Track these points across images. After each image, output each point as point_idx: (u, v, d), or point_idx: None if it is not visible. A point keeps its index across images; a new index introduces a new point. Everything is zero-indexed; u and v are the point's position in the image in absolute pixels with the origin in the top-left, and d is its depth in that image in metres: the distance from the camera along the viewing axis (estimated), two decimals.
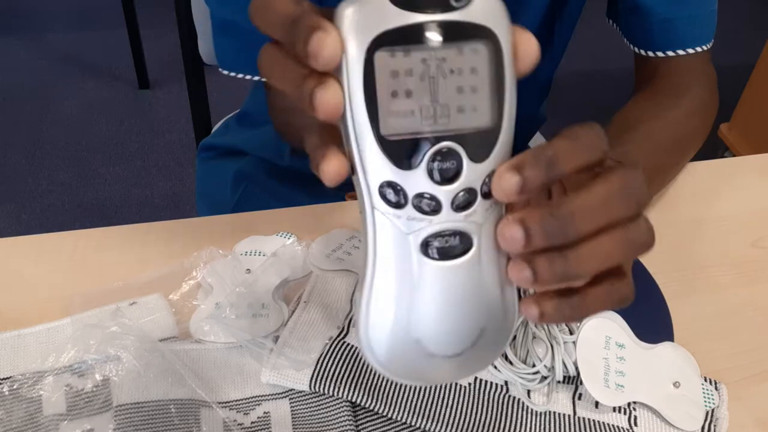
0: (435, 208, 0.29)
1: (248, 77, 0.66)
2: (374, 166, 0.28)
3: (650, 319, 0.55)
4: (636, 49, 0.69)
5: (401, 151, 0.28)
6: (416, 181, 0.28)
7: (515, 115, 0.29)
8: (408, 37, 0.27)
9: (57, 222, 1.74)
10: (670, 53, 0.67)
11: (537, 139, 1.08)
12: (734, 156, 1.79)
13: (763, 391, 0.53)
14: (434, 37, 0.27)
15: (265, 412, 0.49)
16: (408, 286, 0.30)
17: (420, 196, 0.29)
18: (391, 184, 0.28)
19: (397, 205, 0.29)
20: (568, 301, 0.32)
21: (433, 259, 0.30)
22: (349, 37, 0.27)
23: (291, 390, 0.49)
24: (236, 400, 0.49)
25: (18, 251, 0.59)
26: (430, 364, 0.31)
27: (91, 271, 0.57)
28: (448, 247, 0.30)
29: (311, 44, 0.26)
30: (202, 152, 0.92)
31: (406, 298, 0.30)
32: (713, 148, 1.92)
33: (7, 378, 0.48)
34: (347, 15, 0.27)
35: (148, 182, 1.86)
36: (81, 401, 0.47)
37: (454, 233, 0.29)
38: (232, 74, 0.70)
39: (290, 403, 0.49)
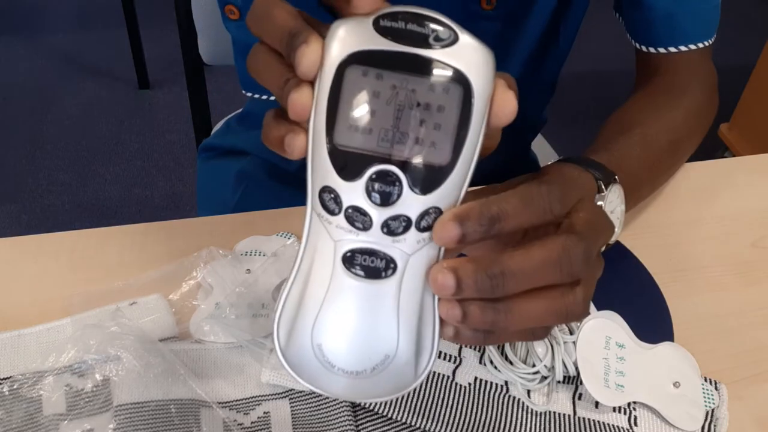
0: (365, 224, 0.30)
1: (271, 98, 0.68)
2: (320, 170, 0.30)
3: (650, 319, 0.55)
4: (638, 45, 0.69)
5: (347, 162, 0.29)
6: (353, 193, 0.29)
7: (475, 160, 0.30)
8: (381, 62, 0.28)
9: (57, 222, 1.74)
10: (672, 49, 0.67)
11: (539, 142, 1.08)
12: (734, 156, 1.79)
13: (763, 391, 0.53)
14: (408, 68, 0.28)
15: (265, 412, 0.49)
16: (322, 291, 0.31)
17: (353, 208, 0.30)
18: (330, 190, 0.30)
19: (331, 212, 0.30)
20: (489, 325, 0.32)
21: (350, 272, 0.30)
22: (329, 50, 0.29)
23: (291, 390, 0.49)
24: (236, 400, 0.49)
25: (18, 251, 0.59)
26: (328, 374, 0.31)
27: (91, 271, 0.57)
28: (367, 265, 0.30)
29: (296, 55, 0.29)
30: (202, 152, 0.92)
31: (317, 302, 0.31)
32: (713, 148, 1.92)
33: (7, 378, 0.48)
34: (333, 31, 0.29)
35: (148, 182, 1.86)
36: (81, 401, 0.47)
37: (377, 254, 0.30)
38: (256, 96, 0.73)
39: (290, 403, 0.49)
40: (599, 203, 0.50)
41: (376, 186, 0.29)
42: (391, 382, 0.32)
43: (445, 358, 0.51)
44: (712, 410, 0.50)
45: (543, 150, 1.08)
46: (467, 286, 0.30)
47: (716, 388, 0.51)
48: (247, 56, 0.33)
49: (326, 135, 0.29)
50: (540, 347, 0.50)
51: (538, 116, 0.86)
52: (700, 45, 0.67)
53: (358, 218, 0.30)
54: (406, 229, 0.30)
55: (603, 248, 0.52)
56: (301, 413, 0.49)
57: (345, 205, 0.30)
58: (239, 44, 0.74)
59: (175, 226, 0.62)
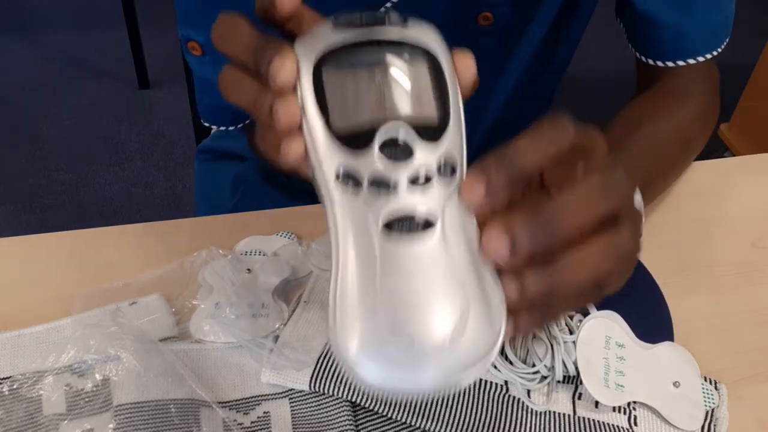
0: (391, 187, 0.29)
1: (230, 128, 0.72)
2: (328, 156, 0.30)
3: (650, 319, 0.55)
4: (643, 59, 0.68)
5: (353, 137, 0.30)
6: (370, 161, 0.30)
7: (462, 111, 0.32)
8: (351, 51, 0.31)
9: (57, 222, 1.74)
10: (681, 63, 0.66)
11: None
12: (734, 156, 1.79)
13: (763, 391, 0.53)
14: (375, 50, 0.31)
15: (265, 412, 0.49)
16: (374, 270, 0.29)
17: (375, 175, 0.30)
18: (345, 169, 0.30)
19: (354, 190, 0.30)
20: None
21: (396, 237, 0.29)
22: (301, 58, 0.31)
23: (291, 390, 0.49)
24: (236, 400, 0.49)
25: (18, 251, 0.59)
26: (413, 359, 0.28)
27: (91, 271, 0.57)
28: (409, 224, 0.30)
29: (271, 68, 0.30)
30: (200, 154, 0.92)
31: (371, 282, 0.29)
32: (713, 148, 1.92)
33: (7, 378, 0.48)
34: (298, 43, 0.32)
35: (148, 182, 1.86)
36: (81, 401, 0.47)
37: (415, 211, 0.30)
38: (213, 127, 0.76)
39: (290, 403, 0.49)
40: None
41: (389, 146, 0.30)
42: (474, 342, 0.29)
43: None
44: (712, 410, 0.50)
45: None
46: (522, 237, 0.29)
47: (716, 388, 0.51)
48: (218, 78, 0.34)
49: (324, 125, 0.30)
50: (540, 347, 0.50)
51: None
52: (708, 56, 0.66)
53: (383, 183, 0.29)
54: (430, 178, 0.30)
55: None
56: (301, 413, 0.49)
57: (366, 175, 0.29)
58: (201, 80, 0.76)
59: (175, 226, 0.62)
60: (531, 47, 0.70)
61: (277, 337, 0.51)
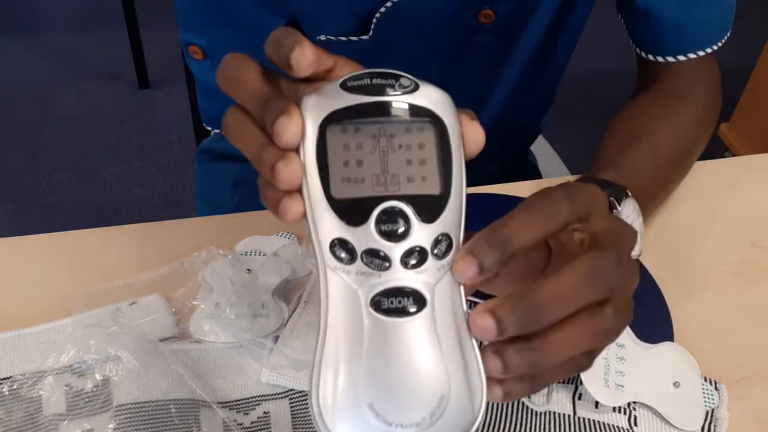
0: (385, 264, 0.30)
1: None
2: (325, 225, 0.30)
3: (650, 319, 0.55)
4: (643, 54, 0.67)
5: (350, 210, 0.30)
6: (365, 237, 0.30)
7: (464, 186, 0.31)
8: (357, 115, 0.31)
9: (57, 222, 1.74)
10: (681, 57, 0.65)
11: (539, 143, 1.08)
12: (734, 156, 1.79)
13: (763, 391, 0.53)
14: (382, 114, 0.31)
15: (265, 412, 0.49)
16: (358, 346, 0.29)
17: (369, 252, 0.30)
18: (340, 241, 0.30)
19: (347, 262, 0.30)
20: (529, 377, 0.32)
21: (384, 316, 0.30)
22: (307, 117, 0.31)
23: (291, 390, 0.49)
24: (236, 400, 0.49)
25: (18, 251, 0.59)
26: None
27: (91, 271, 0.57)
28: (398, 305, 0.30)
29: (277, 126, 0.30)
30: (200, 155, 0.92)
31: (357, 358, 0.29)
32: (713, 148, 1.92)
33: (7, 378, 0.48)
34: (306, 100, 0.31)
35: (148, 182, 1.86)
36: (81, 401, 0.47)
37: (404, 291, 0.30)
38: (216, 131, 0.75)
39: (290, 403, 0.49)
40: None
41: (386, 224, 0.30)
42: (452, 425, 0.30)
43: None
44: (712, 410, 0.50)
45: (543, 151, 1.08)
46: (508, 323, 0.30)
47: (716, 388, 0.51)
48: (223, 118, 0.34)
49: (323, 192, 0.30)
50: None
51: (536, 125, 0.85)
52: (708, 50, 0.65)
53: (375, 260, 0.30)
54: (424, 259, 0.30)
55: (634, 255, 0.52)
56: (301, 413, 0.49)
57: (360, 250, 0.30)
58: (202, 84, 0.76)
59: (175, 226, 0.62)
60: (531, 45, 0.70)
61: (277, 337, 0.51)
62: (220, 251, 0.58)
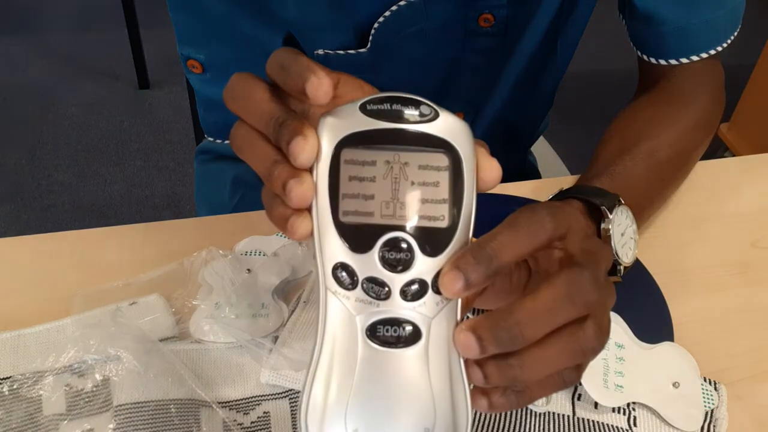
0: (384, 294, 0.30)
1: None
2: (330, 248, 0.30)
3: (650, 319, 0.55)
4: (645, 57, 0.67)
5: (356, 236, 0.30)
6: (368, 265, 0.30)
7: (473, 218, 0.31)
8: (374, 140, 0.30)
9: (57, 222, 1.74)
10: (684, 60, 0.64)
11: (540, 144, 1.08)
12: (734, 156, 1.79)
13: (763, 391, 0.53)
14: (398, 142, 0.30)
15: (265, 412, 0.49)
16: (349, 371, 0.30)
17: (370, 280, 0.30)
18: (343, 266, 0.30)
19: (347, 287, 0.30)
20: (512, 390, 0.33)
21: (378, 345, 0.30)
22: (323, 138, 0.31)
23: (291, 390, 0.49)
24: (236, 400, 0.49)
25: (18, 251, 0.59)
26: None
27: (91, 271, 0.57)
28: (393, 335, 0.30)
29: (292, 147, 0.30)
30: (199, 155, 0.92)
31: (346, 383, 0.30)
32: (713, 148, 1.92)
33: (7, 378, 0.48)
34: (323, 120, 0.31)
35: (148, 182, 1.86)
36: (81, 401, 0.47)
37: (401, 322, 0.30)
38: (218, 141, 0.74)
39: (290, 403, 0.49)
40: (607, 227, 0.50)
41: (389, 254, 0.30)
42: None
43: None
44: (712, 410, 0.50)
45: (543, 151, 1.08)
46: (488, 341, 0.30)
47: (716, 389, 0.51)
48: (230, 135, 0.34)
49: (332, 214, 0.30)
50: None
51: (536, 127, 0.85)
52: (712, 52, 0.64)
53: (375, 288, 0.30)
54: (424, 292, 0.30)
55: (623, 272, 0.52)
56: None
57: (361, 277, 0.30)
58: (202, 97, 0.75)
59: (175, 226, 0.62)
60: (531, 48, 0.70)
61: (276, 337, 0.51)
62: (220, 251, 0.58)
